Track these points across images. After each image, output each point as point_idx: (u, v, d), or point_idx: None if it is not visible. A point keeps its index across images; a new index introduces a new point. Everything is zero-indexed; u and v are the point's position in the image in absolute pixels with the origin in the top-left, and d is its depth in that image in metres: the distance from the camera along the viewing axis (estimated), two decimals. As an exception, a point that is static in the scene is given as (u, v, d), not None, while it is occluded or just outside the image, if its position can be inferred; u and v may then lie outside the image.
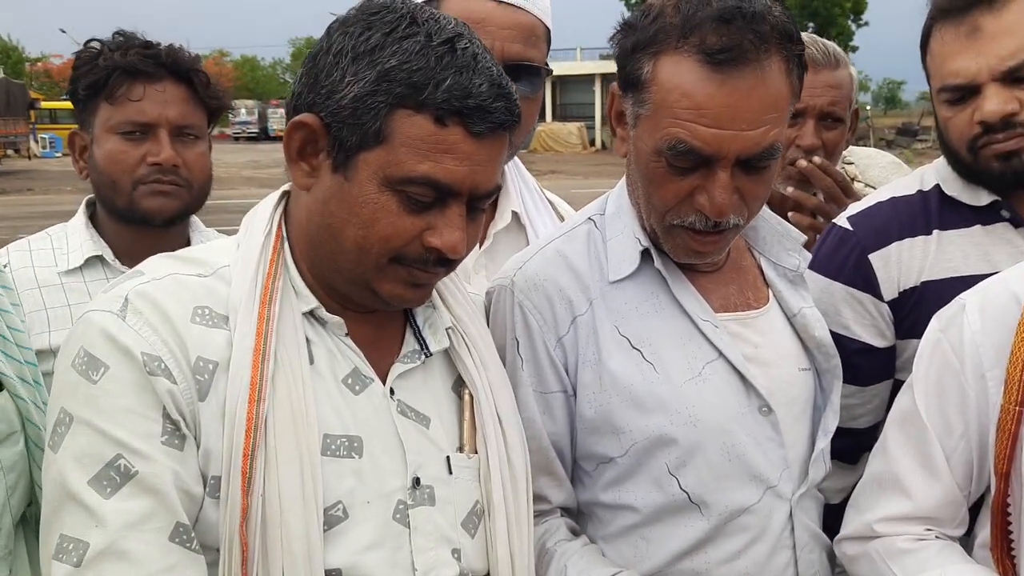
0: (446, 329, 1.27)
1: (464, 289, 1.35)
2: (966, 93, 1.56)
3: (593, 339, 1.36)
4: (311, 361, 1.16)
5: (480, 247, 1.76)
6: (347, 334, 1.20)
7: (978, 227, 1.63)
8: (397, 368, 1.22)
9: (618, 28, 1.36)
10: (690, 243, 1.34)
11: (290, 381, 1.11)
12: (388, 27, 1.10)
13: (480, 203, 1.17)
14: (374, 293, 1.17)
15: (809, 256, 1.55)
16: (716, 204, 1.27)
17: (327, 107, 1.10)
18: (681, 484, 1.33)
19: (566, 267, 1.40)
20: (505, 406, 1.28)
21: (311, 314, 1.18)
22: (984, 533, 1.32)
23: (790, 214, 2.06)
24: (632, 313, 1.37)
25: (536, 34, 1.67)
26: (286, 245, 1.20)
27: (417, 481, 1.18)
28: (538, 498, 1.36)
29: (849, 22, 40.44)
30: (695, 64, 1.24)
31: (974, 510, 1.37)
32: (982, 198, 1.63)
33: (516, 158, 1.85)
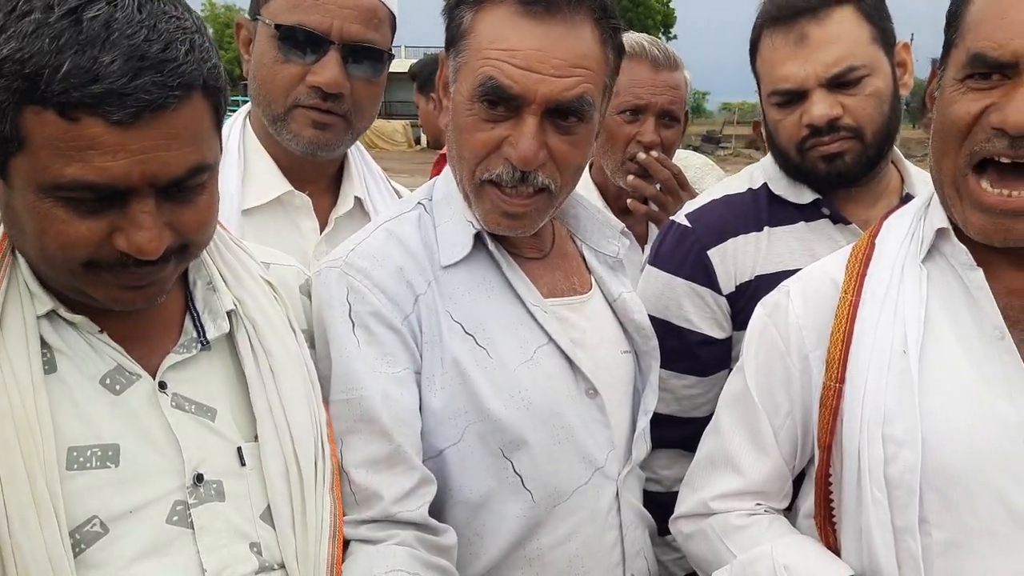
0: (228, 313, 1.19)
1: (256, 270, 1.27)
2: (794, 97, 1.65)
3: (435, 320, 1.34)
4: (52, 369, 1.07)
5: (321, 232, 1.69)
6: (101, 331, 1.11)
7: (802, 224, 1.74)
8: (170, 359, 1.15)
9: None
10: (499, 202, 1.34)
11: (12, 396, 1.01)
12: (8, 3, 0.94)
13: (178, 188, 1.03)
14: (95, 298, 1.08)
15: (628, 243, 1.59)
16: (521, 151, 1.28)
17: None
18: (515, 467, 1.33)
19: (401, 247, 1.37)
20: (293, 394, 1.20)
21: (57, 315, 1.09)
22: (807, 504, 1.40)
23: (628, 202, 2.12)
24: (464, 298, 1.36)
25: (378, 16, 1.62)
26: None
27: (200, 478, 1.11)
28: (368, 499, 1.26)
29: (660, 35, 42.95)
30: (510, 10, 1.29)
31: (796, 483, 1.46)
32: (805, 196, 1.73)
33: (359, 144, 1.78)
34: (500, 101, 1.29)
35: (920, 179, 1.78)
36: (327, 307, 1.32)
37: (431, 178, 1.62)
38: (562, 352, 1.38)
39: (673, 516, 1.52)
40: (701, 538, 1.45)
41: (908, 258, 1.30)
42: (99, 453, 1.06)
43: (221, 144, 1.11)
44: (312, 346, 1.33)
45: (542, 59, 1.27)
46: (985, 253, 1.24)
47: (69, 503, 1.02)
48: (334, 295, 1.32)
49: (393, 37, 1.69)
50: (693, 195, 2.05)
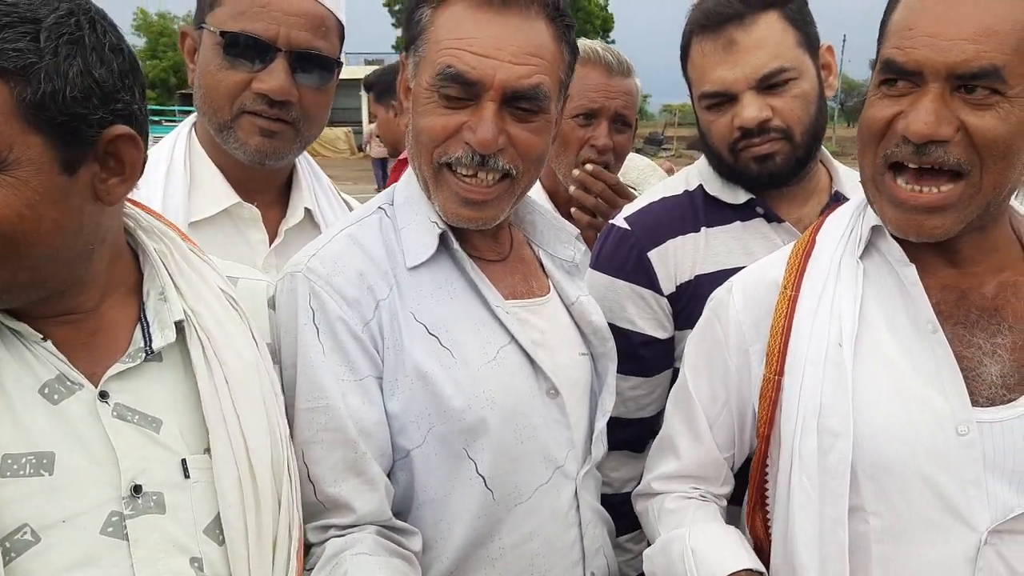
0: (179, 323, 1.18)
1: (215, 280, 1.26)
2: (725, 100, 1.71)
3: (396, 324, 1.35)
4: None
5: (270, 244, 1.68)
6: (44, 339, 1.11)
7: (738, 223, 1.79)
8: (114, 368, 1.13)
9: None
10: (459, 189, 1.36)
11: None
12: None
13: None
14: None
15: (584, 248, 1.63)
16: (480, 134, 1.31)
17: None
18: (479, 468, 1.35)
19: (362, 252, 1.38)
20: (249, 405, 1.20)
21: None
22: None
23: (572, 211, 2.16)
24: (428, 300, 1.37)
25: (326, 25, 1.62)
26: None
27: (137, 489, 1.10)
28: (337, 507, 1.29)
29: (599, 39, 43.27)
30: (467, 5, 1.33)
31: (745, 475, 1.50)
32: (740, 196, 1.79)
33: (307, 155, 1.78)
34: (459, 88, 1.32)
35: (848, 177, 1.84)
36: (290, 313, 1.33)
37: (389, 185, 1.64)
38: (524, 352, 1.40)
39: (632, 494, 1.60)
40: (645, 516, 1.55)
41: (846, 254, 1.35)
42: (33, 461, 1.05)
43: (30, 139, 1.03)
44: (276, 361, 1.33)
45: (499, 46, 1.31)
46: (919, 250, 1.30)
47: (0, 511, 1.02)
48: (298, 301, 1.32)
49: (342, 46, 1.69)
50: (631, 200, 2.10)
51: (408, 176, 1.48)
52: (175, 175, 1.62)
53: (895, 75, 1.21)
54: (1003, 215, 1.32)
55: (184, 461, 1.14)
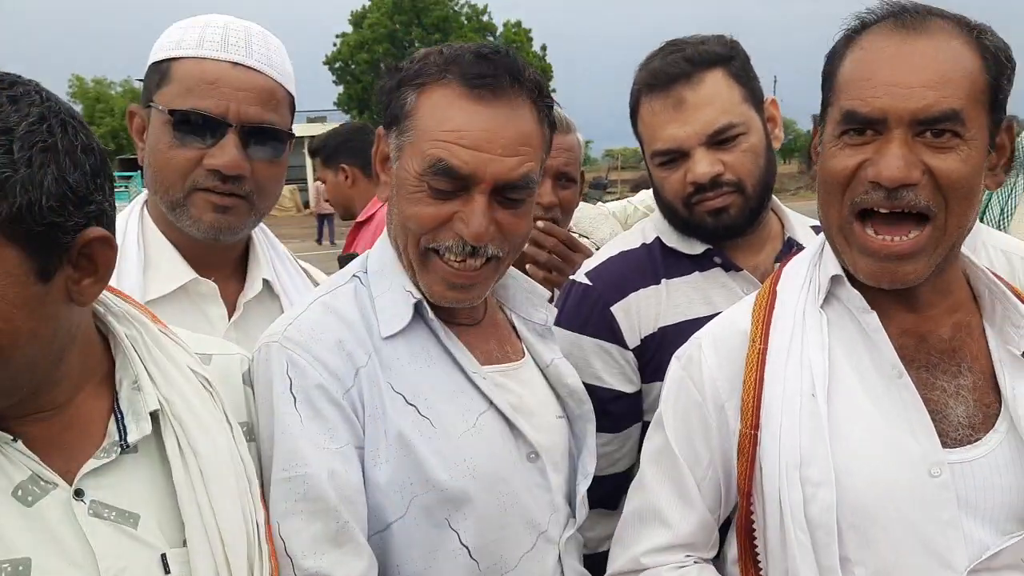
0: (153, 413, 1.15)
1: (186, 363, 1.24)
2: (677, 156, 1.74)
3: (377, 392, 1.33)
4: None
5: (229, 319, 1.65)
6: (15, 439, 1.07)
7: (697, 273, 1.81)
8: (88, 465, 1.10)
9: (384, 72, 1.43)
10: (446, 274, 1.36)
11: None
12: None
13: None
14: None
15: (555, 311, 1.61)
16: (473, 228, 1.32)
17: None
18: (462, 539, 1.32)
19: (339, 320, 1.36)
20: (223, 495, 1.16)
21: None
22: (733, 550, 1.44)
23: (527, 267, 2.16)
24: (405, 369, 1.36)
25: (276, 98, 1.62)
26: None
27: None
28: None
29: (540, 87, 43.98)
30: (456, 91, 1.34)
31: (723, 530, 1.49)
32: (696, 247, 1.81)
33: (263, 225, 1.76)
34: (450, 182, 1.32)
35: (798, 222, 1.89)
36: (267, 384, 1.30)
37: (347, 251, 1.62)
38: (504, 417, 1.39)
39: (607, 574, 1.52)
40: None
41: (808, 304, 1.37)
42: (8, 568, 1.02)
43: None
44: (252, 439, 1.30)
45: (490, 139, 1.32)
46: (877, 296, 1.32)
47: None
48: (274, 371, 1.30)
49: (292, 119, 1.69)
50: (588, 254, 2.12)
51: (382, 244, 1.47)
52: (128, 254, 1.59)
53: (859, 125, 1.24)
54: (957, 258, 1.35)
55: (164, 556, 1.11)
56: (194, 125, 1.56)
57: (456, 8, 44.98)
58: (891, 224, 1.25)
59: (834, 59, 1.31)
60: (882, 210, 1.24)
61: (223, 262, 1.70)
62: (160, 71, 1.59)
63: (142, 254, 1.62)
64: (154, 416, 1.15)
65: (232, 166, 1.56)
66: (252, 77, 1.58)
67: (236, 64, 1.57)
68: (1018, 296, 1.37)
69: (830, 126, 1.29)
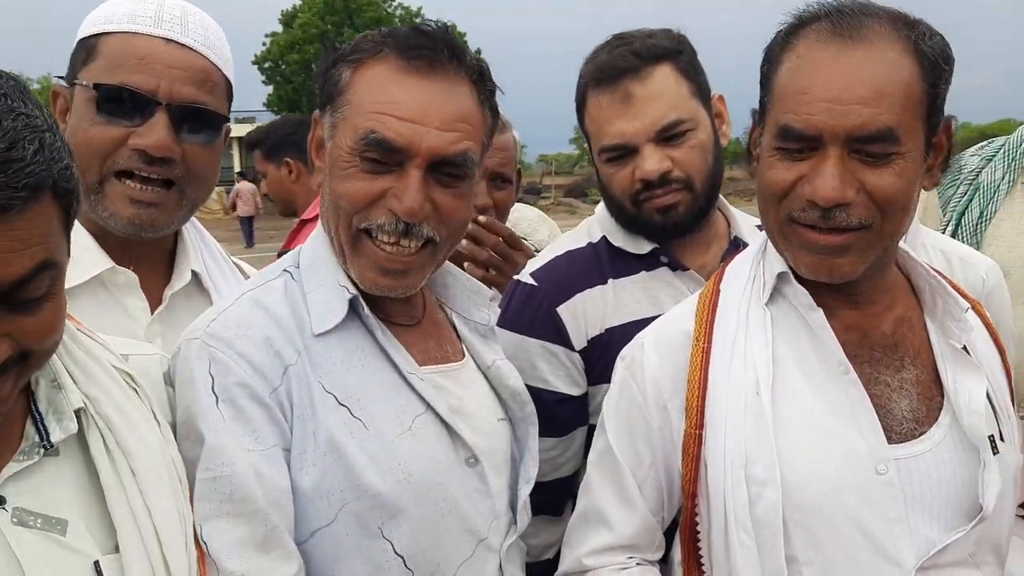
0: (75, 411, 1.08)
1: (110, 361, 1.16)
2: (625, 153, 1.72)
3: (306, 392, 1.26)
4: None
5: (152, 312, 1.55)
6: None
7: (643, 273, 1.79)
8: (8, 470, 1.03)
9: (321, 54, 1.39)
10: (378, 258, 1.30)
11: None
12: None
13: (22, 294, 0.95)
14: None
15: (498, 310, 1.58)
16: (407, 203, 1.27)
17: None
18: (396, 548, 1.26)
19: (267, 316, 1.29)
20: (158, 495, 1.10)
21: None
22: (679, 553, 1.42)
23: (466, 266, 2.11)
24: (337, 368, 1.29)
25: (212, 80, 1.53)
26: None
27: None
28: None
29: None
30: (393, 64, 1.29)
31: (671, 533, 1.47)
32: (643, 247, 1.79)
33: (194, 218, 1.67)
34: (383, 154, 1.27)
35: (744, 222, 1.89)
36: (189, 383, 1.22)
37: (287, 248, 1.54)
38: (441, 420, 1.34)
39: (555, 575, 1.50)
40: None
41: (752, 302, 1.37)
42: None
43: (69, 247, 1.02)
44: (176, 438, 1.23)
45: (427, 112, 1.27)
46: (820, 293, 1.32)
47: None
48: (196, 369, 1.22)
49: (229, 106, 1.60)
50: (528, 254, 2.08)
51: (316, 237, 1.40)
52: None
53: (795, 142, 1.23)
54: (895, 254, 1.37)
55: (97, 563, 1.04)
56: (120, 102, 1.45)
57: (389, 10, 44.71)
58: (828, 232, 1.25)
59: (771, 60, 1.29)
60: (818, 226, 1.24)
61: (148, 253, 1.59)
62: (87, 47, 1.49)
63: None
64: (77, 415, 1.08)
65: (160, 147, 1.45)
66: (187, 55, 1.49)
67: (170, 41, 1.48)
68: (958, 291, 1.39)
69: (768, 134, 1.28)
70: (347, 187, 1.29)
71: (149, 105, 1.46)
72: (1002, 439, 1.31)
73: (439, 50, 1.30)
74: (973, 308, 1.41)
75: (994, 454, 1.28)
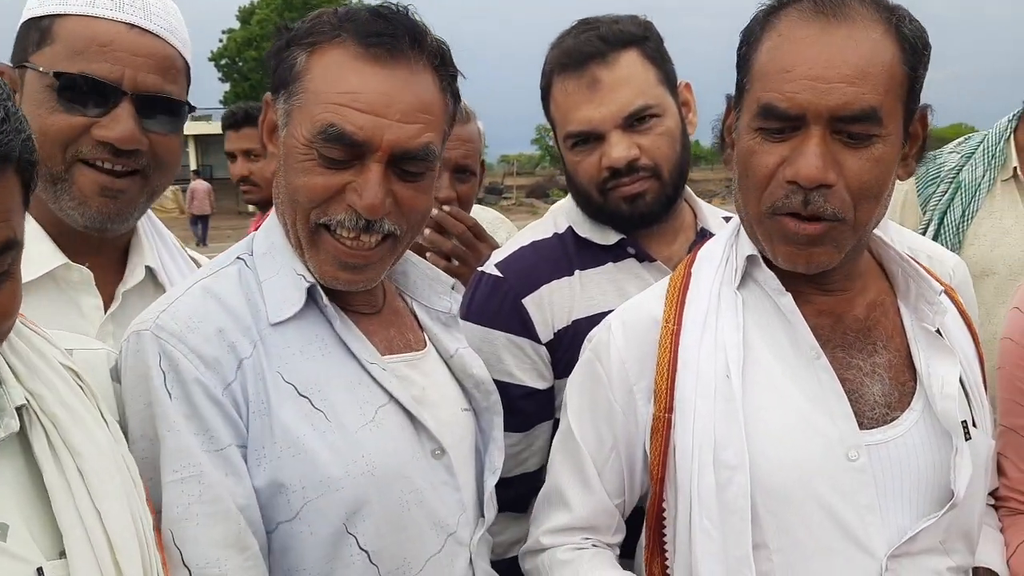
0: (17, 408, 1.02)
1: (56, 357, 1.11)
2: (591, 139, 1.68)
3: (262, 386, 1.21)
4: None
5: (106, 310, 1.49)
6: None
7: (610, 264, 1.76)
8: None
9: (275, 32, 1.32)
10: (338, 253, 1.26)
11: None
12: None
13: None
14: None
15: (460, 298, 1.54)
16: (367, 199, 1.22)
17: None
18: (360, 543, 1.23)
19: (220, 306, 1.24)
20: (109, 495, 1.04)
21: None
22: (644, 538, 1.40)
23: (427, 255, 2.06)
24: (296, 358, 1.25)
25: (175, 67, 1.48)
26: None
27: None
28: None
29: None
30: (351, 51, 1.24)
31: (639, 520, 1.44)
32: (610, 237, 1.76)
33: (150, 211, 1.61)
34: (342, 150, 1.22)
35: (711, 213, 1.87)
36: (140, 377, 1.17)
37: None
38: (405, 411, 1.30)
39: (519, 551, 1.50)
40: (535, 573, 1.45)
41: (723, 285, 1.35)
42: None
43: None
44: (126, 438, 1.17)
45: (387, 104, 1.22)
46: (792, 279, 1.31)
47: None
48: (148, 363, 1.17)
49: (188, 89, 1.55)
50: (493, 246, 2.04)
51: (269, 225, 1.36)
52: None
53: (777, 121, 1.21)
54: (867, 242, 1.36)
55: (40, 570, 0.97)
56: (82, 91, 1.39)
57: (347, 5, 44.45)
58: (806, 220, 1.24)
59: (750, 40, 1.27)
60: (801, 214, 1.23)
61: (101, 248, 1.52)
62: (39, 28, 1.43)
63: None
64: (19, 413, 1.02)
65: (128, 139, 1.40)
66: (150, 42, 1.43)
67: (133, 26, 1.42)
68: (930, 275, 1.38)
69: (746, 115, 1.26)
70: (304, 181, 1.25)
71: (114, 95, 1.41)
72: (974, 425, 1.31)
73: (399, 36, 1.25)
74: (946, 293, 1.40)
75: (966, 440, 1.27)
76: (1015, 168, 2.42)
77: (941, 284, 1.39)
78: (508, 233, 2.74)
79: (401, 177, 1.26)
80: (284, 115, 1.29)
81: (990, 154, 2.44)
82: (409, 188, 1.28)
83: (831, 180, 1.19)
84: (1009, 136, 2.46)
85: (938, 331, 1.33)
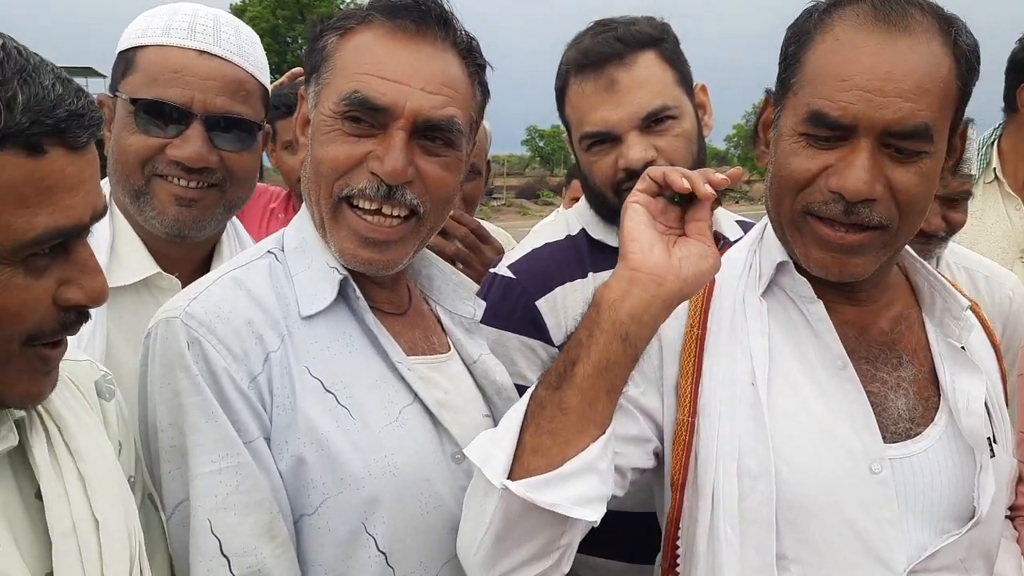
0: (15, 421, 0.97)
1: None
2: (608, 139, 1.66)
3: (288, 379, 1.20)
4: None
5: None
6: None
7: None
8: None
9: (308, 28, 1.36)
10: (359, 227, 1.25)
11: None
12: None
13: (86, 235, 0.95)
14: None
15: (484, 305, 1.53)
16: (389, 163, 1.22)
17: None
18: (378, 544, 1.21)
19: (250, 298, 1.23)
20: (109, 505, 1.00)
21: None
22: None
23: None
24: (324, 353, 1.24)
25: (246, 88, 1.56)
26: None
27: None
28: None
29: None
30: (380, 30, 1.26)
31: (654, 534, 1.40)
32: None
33: (235, 219, 1.69)
34: (366, 115, 1.22)
35: (724, 216, 1.85)
36: (167, 364, 1.15)
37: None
38: (429, 413, 1.28)
39: None
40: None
41: (748, 291, 1.32)
42: None
43: None
44: (142, 431, 1.16)
45: (412, 73, 1.23)
46: (819, 287, 1.28)
47: None
48: (175, 351, 1.15)
49: (267, 112, 1.63)
50: (497, 248, 2.03)
51: (300, 219, 1.35)
52: (98, 241, 1.48)
53: (827, 130, 1.17)
54: (899, 255, 1.33)
55: None
56: (157, 115, 1.51)
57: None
58: (845, 228, 1.21)
59: (801, 39, 1.22)
60: (839, 221, 1.19)
61: (188, 260, 1.63)
62: (125, 60, 1.55)
63: (110, 241, 1.55)
64: (17, 426, 0.97)
65: (197, 159, 1.50)
66: (219, 66, 1.52)
67: (203, 52, 1.52)
68: (957, 289, 1.36)
69: (791, 117, 1.21)
70: (328, 151, 1.24)
71: (184, 117, 1.51)
72: (996, 442, 1.29)
73: (426, 12, 1.26)
74: (972, 308, 1.38)
75: (991, 457, 1.25)
76: (995, 170, 2.72)
77: (967, 299, 1.37)
78: (504, 240, 2.72)
79: (425, 150, 1.26)
80: (314, 97, 1.29)
81: (980, 155, 2.68)
82: (433, 163, 1.27)
83: (876, 194, 1.16)
84: (994, 142, 2.76)
85: (962, 347, 1.31)
